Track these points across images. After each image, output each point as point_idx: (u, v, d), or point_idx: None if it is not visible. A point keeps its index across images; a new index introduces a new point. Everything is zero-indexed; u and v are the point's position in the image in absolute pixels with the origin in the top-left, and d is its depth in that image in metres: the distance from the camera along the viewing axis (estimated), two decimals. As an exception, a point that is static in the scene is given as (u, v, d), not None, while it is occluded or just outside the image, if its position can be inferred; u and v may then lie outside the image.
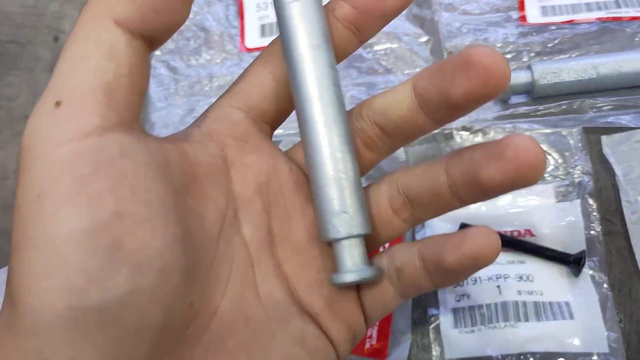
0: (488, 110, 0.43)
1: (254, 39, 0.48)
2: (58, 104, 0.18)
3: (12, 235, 0.18)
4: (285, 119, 0.26)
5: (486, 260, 0.22)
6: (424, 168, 0.24)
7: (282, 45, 0.23)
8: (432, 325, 0.38)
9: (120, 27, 0.19)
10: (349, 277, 0.23)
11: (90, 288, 0.17)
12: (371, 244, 0.25)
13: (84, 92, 0.19)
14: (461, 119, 0.42)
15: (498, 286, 0.38)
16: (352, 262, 0.24)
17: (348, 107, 0.25)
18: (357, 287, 0.26)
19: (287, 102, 0.25)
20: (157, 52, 0.48)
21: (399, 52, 0.46)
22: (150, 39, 0.20)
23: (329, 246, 0.25)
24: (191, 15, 0.49)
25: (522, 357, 0.36)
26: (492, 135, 0.42)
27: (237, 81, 0.25)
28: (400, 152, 0.42)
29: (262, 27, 0.48)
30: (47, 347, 0.17)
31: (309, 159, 0.24)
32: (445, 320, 0.38)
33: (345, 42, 0.24)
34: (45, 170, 0.18)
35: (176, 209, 0.20)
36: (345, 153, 0.23)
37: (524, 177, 0.20)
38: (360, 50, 0.46)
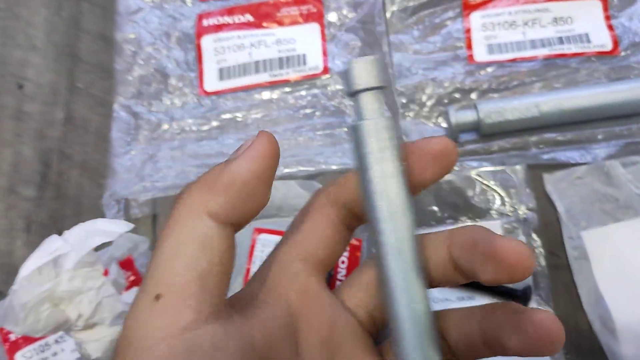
0: (438, 149, 0.44)
1: (213, 83, 0.49)
2: (158, 297, 0.20)
3: None
4: (336, 261, 0.27)
5: (550, 350, 0.22)
6: (460, 319, 0.24)
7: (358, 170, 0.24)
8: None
9: (213, 219, 0.21)
10: None
11: None
12: None
13: (181, 285, 0.20)
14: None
15: (448, 323, 0.39)
16: None
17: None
18: None
19: (340, 246, 0.26)
20: (120, 98, 0.49)
21: (352, 93, 0.47)
22: (237, 223, 0.22)
23: None
24: (152, 61, 0.50)
25: (471, 392, 0.37)
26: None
27: (293, 229, 0.26)
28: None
29: (220, 70, 0.49)
30: None
31: (391, 317, 0.23)
32: None
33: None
34: None
35: None
36: (428, 318, 0.23)
37: (543, 352, 0.21)
38: (315, 91, 0.48)
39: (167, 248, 0.21)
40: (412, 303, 0.23)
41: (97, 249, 0.37)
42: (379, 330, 0.27)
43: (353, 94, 0.24)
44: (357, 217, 0.25)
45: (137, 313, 0.21)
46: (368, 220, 0.24)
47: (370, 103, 0.24)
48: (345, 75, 0.24)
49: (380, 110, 0.24)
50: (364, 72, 0.23)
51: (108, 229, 0.36)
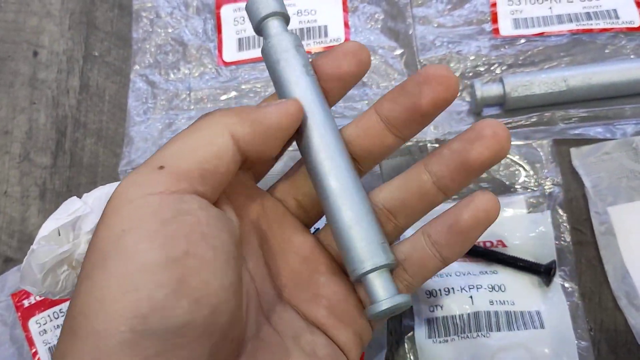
0: (461, 122, 0.43)
1: (232, 53, 0.48)
2: (161, 167, 0.22)
3: (83, 268, 0.21)
4: (267, 171, 0.30)
5: (494, 214, 0.27)
6: (402, 177, 0.28)
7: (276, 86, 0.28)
8: (407, 335, 0.39)
9: (233, 140, 0.24)
10: (384, 304, 0.25)
11: (153, 315, 0.19)
12: None
13: (184, 168, 0.22)
14: (435, 132, 0.43)
15: (471, 297, 0.39)
16: (384, 292, 0.25)
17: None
18: (355, 292, 0.29)
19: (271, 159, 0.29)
20: (136, 67, 0.49)
21: (374, 65, 0.46)
22: (249, 159, 0.25)
23: (358, 284, 0.28)
24: (169, 30, 0.49)
25: (494, 366, 0.37)
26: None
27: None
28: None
29: (240, 41, 0.48)
30: None
31: (326, 207, 0.26)
32: (419, 331, 0.39)
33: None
34: (133, 211, 0.21)
35: (235, 257, 0.23)
36: (362, 198, 0.26)
37: (504, 148, 0.25)
38: (336, 63, 0.47)
39: (181, 143, 0.23)
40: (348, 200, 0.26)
41: (116, 212, 0.36)
42: (309, 215, 0.30)
43: (259, 23, 0.27)
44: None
45: (135, 177, 0.22)
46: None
47: (273, 27, 0.27)
48: (249, 9, 0.28)
49: (284, 29, 0.27)
50: (264, 3, 0.27)
51: (128, 191, 0.36)
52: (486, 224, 0.27)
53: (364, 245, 0.25)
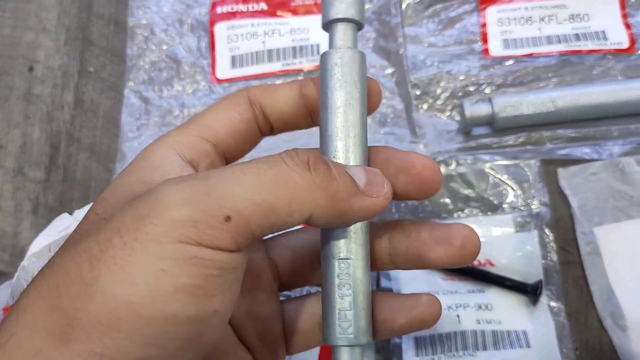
0: (451, 142, 0.44)
1: (225, 70, 0.49)
2: (228, 219, 0.19)
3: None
4: (240, 158, 0.27)
5: (430, 324, 0.26)
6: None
7: (320, 97, 0.24)
8: (395, 353, 0.39)
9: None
10: None
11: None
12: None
13: (253, 222, 0.20)
14: (424, 150, 0.43)
15: (458, 315, 0.39)
16: None
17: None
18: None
19: (248, 144, 0.27)
20: (130, 83, 0.49)
21: (365, 84, 0.47)
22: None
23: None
24: (164, 47, 0.50)
25: (480, 385, 0.37)
26: (454, 167, 0.43)
27: (206, 114, 0.26)
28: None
29: (233, 58, 0.49)
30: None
31: (322, 256, 0.24)
32: (407, 349, 0.39)
33: None
34: None
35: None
36: (358, 254, 0.23)
37: (465, 261, 0.25)
38: (328, 81, 0.47)
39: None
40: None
41: (107, 229, 0.36)
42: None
43: (328, 24, 0.24)
44: (271, 124, 0.26)
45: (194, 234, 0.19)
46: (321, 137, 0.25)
47: (343, 34, 0.24)
48: (324, 4, 0.24)
49: (352, 42, 0.24)
50: (342, 4, 0.24)
51: (119, 209, 0.36)
52: (421, 329, 0.26)
53: (349, 317, 0.23)
